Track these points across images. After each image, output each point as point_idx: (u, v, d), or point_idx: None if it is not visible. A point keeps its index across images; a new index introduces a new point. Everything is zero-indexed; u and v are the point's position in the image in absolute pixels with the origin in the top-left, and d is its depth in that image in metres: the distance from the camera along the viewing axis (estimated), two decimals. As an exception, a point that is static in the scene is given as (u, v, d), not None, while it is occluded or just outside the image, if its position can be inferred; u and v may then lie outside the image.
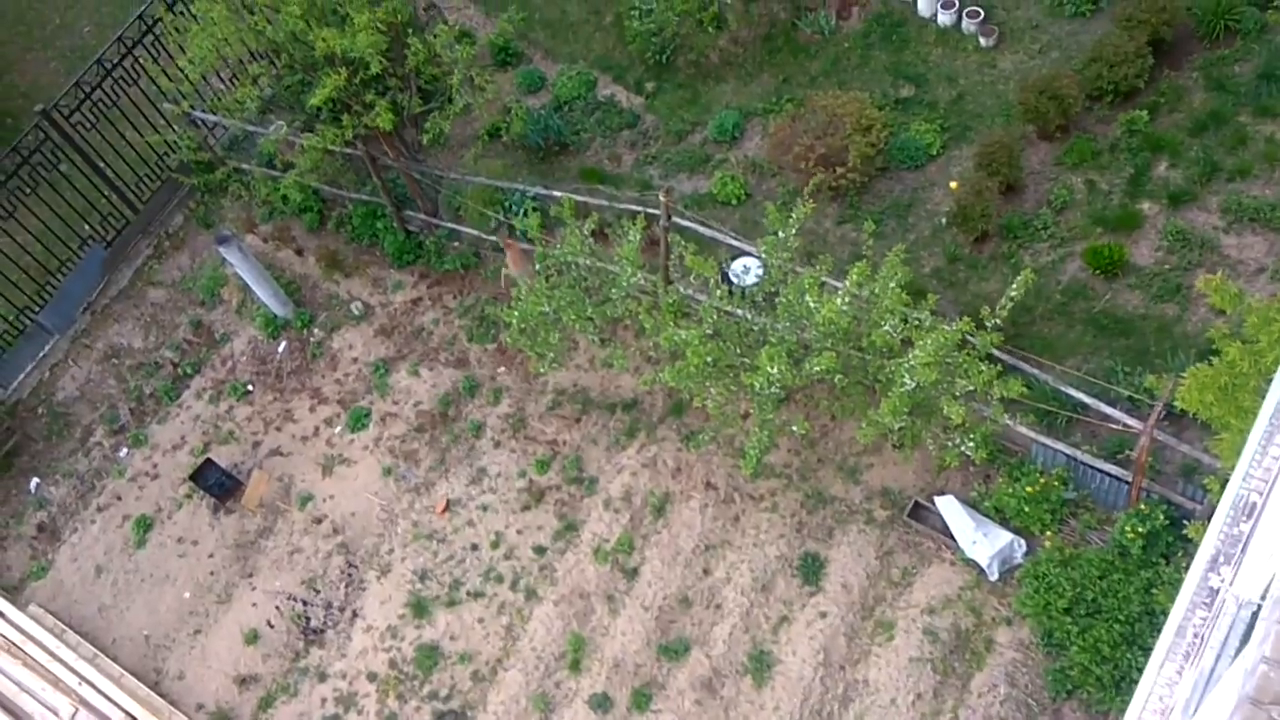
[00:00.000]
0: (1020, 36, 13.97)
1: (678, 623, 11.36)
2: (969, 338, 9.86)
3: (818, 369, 9.63)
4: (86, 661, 11.71)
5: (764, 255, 10.66)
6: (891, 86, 13.90)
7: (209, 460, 12.74)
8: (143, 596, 12.37)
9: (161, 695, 11.69)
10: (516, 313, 11.31)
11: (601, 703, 11.06)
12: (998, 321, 9.74)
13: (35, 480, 13.23)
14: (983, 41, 13.89)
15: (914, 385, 9.42)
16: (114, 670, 11.76)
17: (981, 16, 13.84)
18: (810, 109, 13.17)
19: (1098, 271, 12.05)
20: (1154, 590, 9.96)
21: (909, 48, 14.18)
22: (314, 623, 11.98)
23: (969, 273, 12.47)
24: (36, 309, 13.91)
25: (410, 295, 13.88)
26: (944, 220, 12.80)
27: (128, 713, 11.34)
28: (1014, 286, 9.70)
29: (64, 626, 12.11)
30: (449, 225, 13.87)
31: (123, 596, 12.40)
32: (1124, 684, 9.80)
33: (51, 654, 11.73)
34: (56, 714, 11.39)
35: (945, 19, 14.04)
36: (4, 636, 11.90)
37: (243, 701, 11.71)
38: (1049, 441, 10.72)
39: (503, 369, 13.15)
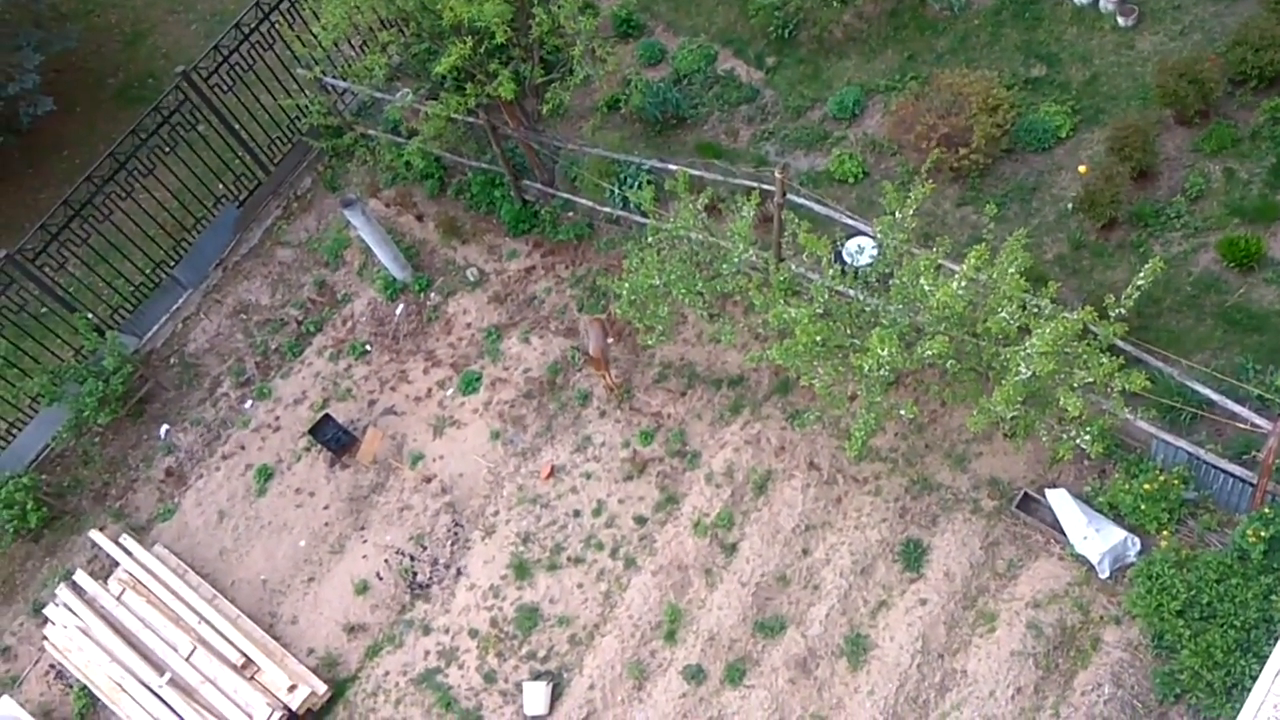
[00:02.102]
0: (1161, 17, 13.40)
1: (774, 600, 11.36)
2: (1091, 328, 9.57)
3: (930, 353, 9.48)
4: (206, 602, 12.29)
5: (879, 235, 10.51)
6: (1022, 66, 13.49)
7: (327, 416, 13.21)
8: (261, 543, 12.92)
9: (275, 638, 12.21)
10: (627, 284, 11.40)
11: (695, 674, 11.15)
12: (1122, 311, 9.43)
13: (165, 427, 13.89)
14: (1121, 21, 13.36)
15: (1030, 374, 9.20)
16: (231, 611, 12.33)
17: (1121, -6, 13.32)
18: (935, 87, 12.88)
19: (1232, 264, 11.54)
20: (1273, 597, 9.56)
21: (1042, 26, 13.73)
22: (420, 578, 12.34)
23: (1094, 261, 12.08)
24: (172, 264, 14.55)
25: (524, 264, 14.09)
26: (1070, 206, 12.40)
27: (243, 652, 11.88)
28: (1141, 275, 9.37)
29: (186, 567, 12.72)
30: (564, 196, 14.02)
31: (242, 541, 12.96)
32: (1235, 691, 9.46)
33: (174, 593, 12.35)
34: (176, 650, 12.01)
35: (1081, -4, 13.55)
36: (130, 574, 12.57)
37: (351, 649, 12.16)
38: (1171, 438, 10.35)
39: (611, 340, 13.26)
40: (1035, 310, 9.57)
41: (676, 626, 11.44)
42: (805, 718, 10.73)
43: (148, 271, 14.36)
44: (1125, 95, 12.99)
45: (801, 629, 11.16)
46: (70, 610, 12.42)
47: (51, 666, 12.53)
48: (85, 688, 12.19)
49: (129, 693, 11.83)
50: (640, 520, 12.11)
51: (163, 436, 13.85)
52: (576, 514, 12.33)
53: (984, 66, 13.35)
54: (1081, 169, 12.41)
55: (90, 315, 13.71)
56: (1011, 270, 9.51)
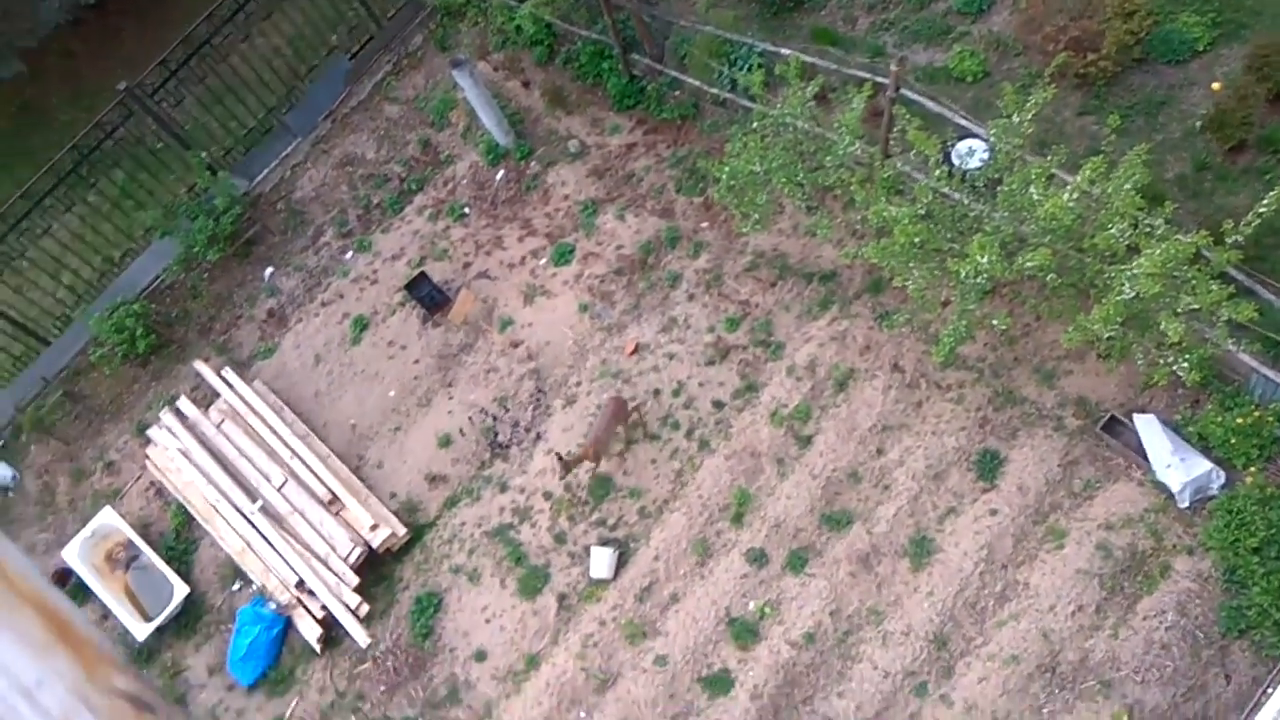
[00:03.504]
0: (1328, -73, 12.48)
1: (844, 495, 11.50)
2: (1204, 252, 9.26)
3: (1031, 265, 9.28)
4: (299, 438, 12.88)
5: (992, 139, 10.20)
6: (1166, -29, 12.74)
7: (423, 274, 13.50)
8: (353, 389, 13.42)
9: (361, 479, 12.79)
10: (727, 169, 11.30)
11: (758, 558, 11.42)
12: (1239, 239, 9.08)
13: (269, 269, 14.36)
14: (1282, -71, 12.49)
15: (1133, 295, 8.97)
16: (322, 450, 12.91)
17: (1286, -100, 12.41)
18: (1070, -13, 12.26)
19: (1365, 200, 10.95)
20: (1357, 545, 9.39)
21: (1194, -71, 12.90)
22: (501, 437, 12.74)
23: (1216, 184, 11.59)
24: (284, 110, 14.81)
25: (626, 139, 14.02)
26: (1198, 124, 11.85)
27: (329, 489, 12.48)
28: (1265, 203, 8.98)
29: (282, 404, 13.30)
30: (672, 73, 13.82)
31: (336, 386, 13.48)
32: (1303, 633, 9.38)
33: (270, 427, 12.95)
34: (269, 480, 12.66)
35: (1243, -101, 12.66)
36: (230, 405, 13.20)
37: (431, 497, 12.68)
38: (1272, 374, 10.06)
39: (706, 224, 13.23)
40: (1147, 230, 9.27)
41: (744, 510, 11.67)
42: (861, 610, 10.95)
43: (260, 116, 14.64)
44: (1271, 11, 12.22)
45: (867, 526, 11.30)
46: (172, 433, 13.12)
47: (152, 484, 13.33)
48: (182, 506, 12.96)
49: (223, 515, 12.56)
50: (718, 405, 12.26)
51: (266, 279, 14.32)
52: (656, 392, 12.52)
53: (1126, -31, 12.63)
54: (1215, 86, 11.81)
55: (204, 154, 14.10)
56: (1127, 186, 9.19)
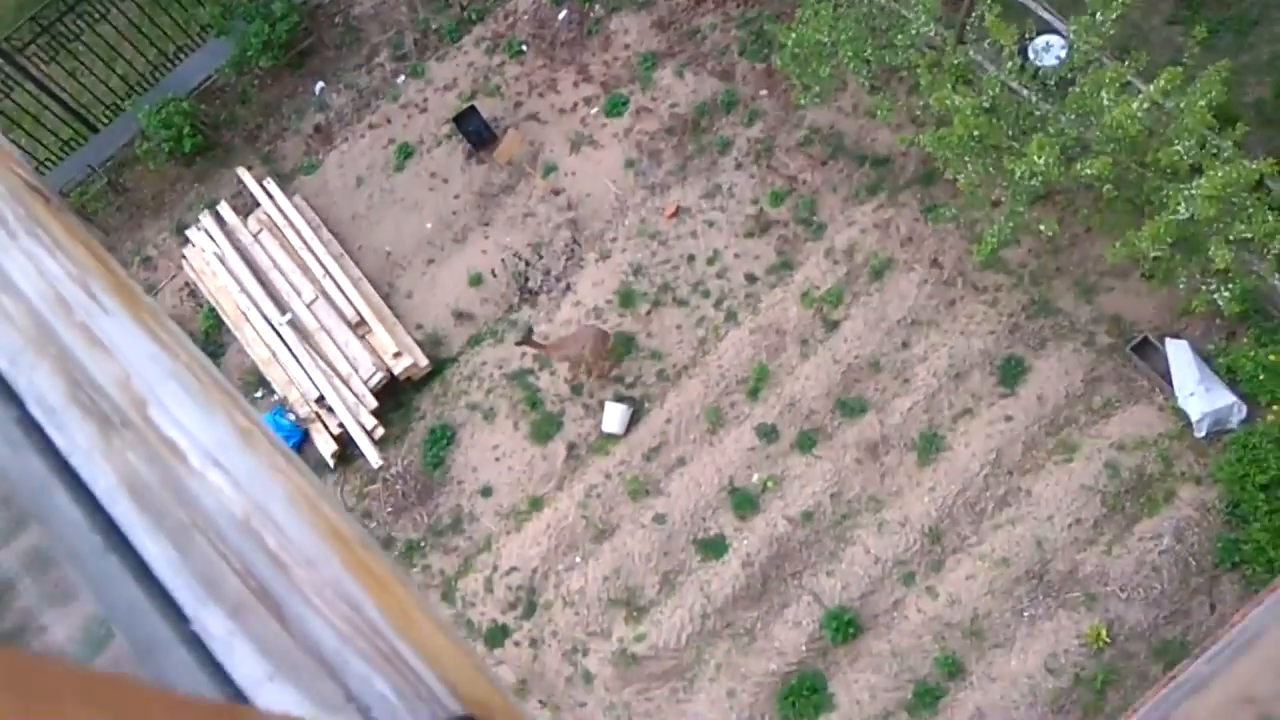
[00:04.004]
0: None
1: (862, 383, 11.49)
2: (1267, 181, 8.93)
3: (1089, 172, 9.01)
4: (333, 258, 12.97)
5: (1072, 36, 9.77)
6: (1291, -123, 11.92)
7: (473, 108, 13.32)
8: (391, 216, 13.43)
9: (390, 307, 12.92)
10: (794, 35, 10.93)
11: (768, 433, 11.51)
12: (1308, 172, 8.74)
13: (320, 84, 14.22)
14: None
15: (1187, 216, 8.71)
16: (354, 272, 13.01)
17: None
18: (1184, -117, 11.53)
19: None
20: (1368, 498, 9.31)
21: None
22: (531, 283, 12.77)
23: (1298, 113, 11.10)
24: (351, -79, 14.41)
25: (697, -8, 13.56)
26: (1293, 48, 11.27)
27: (357, 311, 12.63)
28: (1342, 138, 8.59)
29: (320, 222, 13.35)
30: (753, -73, 13.26)
31: (375, 211, 13.50)
32: (1296, 577, 9.40)
33: (305, 243, 13.04)
34: (299, 294, 12.82)
35: None
36: (269, 216, 13.28)
37: (455, 333, 12.82)
38: (1315, 316, 9.83)
39: (765, 91, 12.88)
40: (1214, 150, 8.93)
41: (761, 386, 11.72)
42: (862, 496, 11.08)
43: (326, -76, 14.27)
44: (1400, -65, 11.47)
45: (881, 416, 11.33)
46: (210, 237, 13.26)
47: (186, 284, 13.55)
48: (214, 310, 13.20)
49: (252, 323, 12.78)
50: (751, 278, 12.18)
51: (317, 93, 14.20)
52: (691, 258, 12.44)
53: None
54: (1320, 9, 11.17)
55: (266, -43, 13.82)
56: (1202, 103, 8.82)
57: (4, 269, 0.93)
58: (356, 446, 12.30)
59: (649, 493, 11.64)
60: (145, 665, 0.74)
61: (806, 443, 11.41)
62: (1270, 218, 8.63)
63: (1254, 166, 8.58)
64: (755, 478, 11.42)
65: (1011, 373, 11.08)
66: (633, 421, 11.94)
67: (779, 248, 12.23)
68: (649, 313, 12.30)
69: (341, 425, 12.29)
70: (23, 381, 0.85)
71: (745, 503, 11.35)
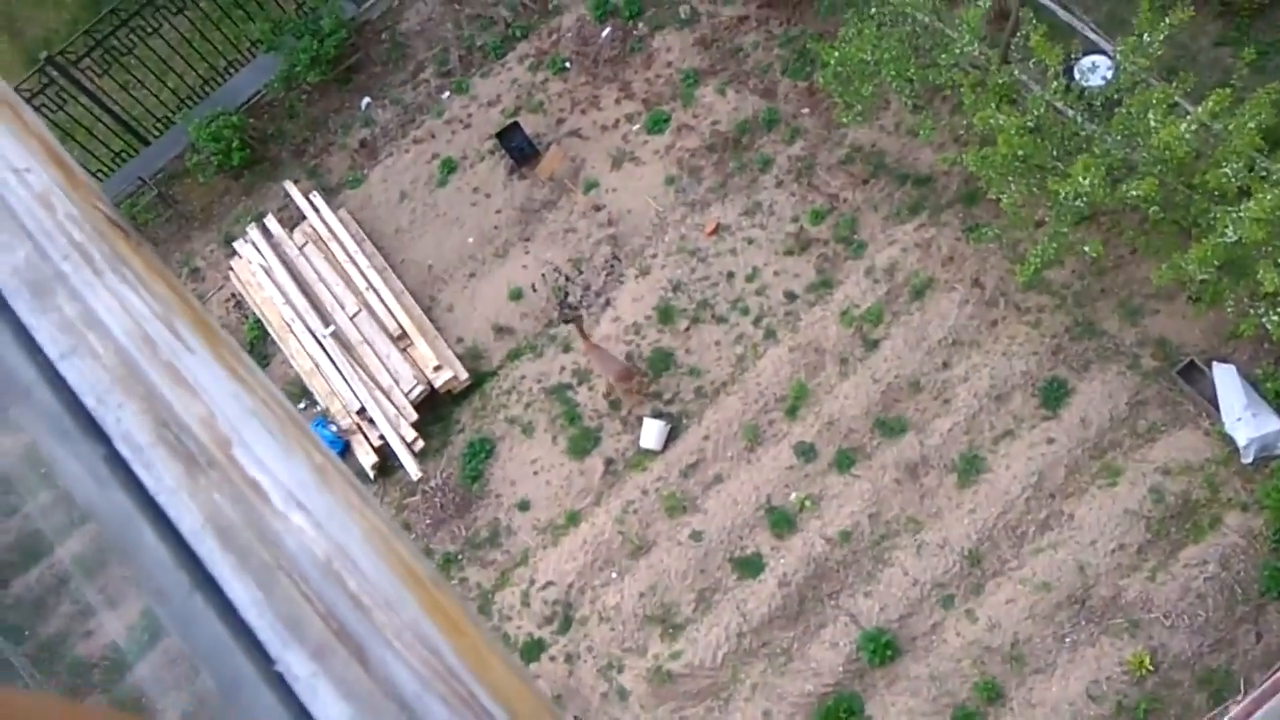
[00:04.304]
0: None
1: (902, 403, 11.42)
2: (1319, 205, 8.77)
3: (1134, 193, 8.93)
4: (376, 272, 13.11)
5: (1119, 57, 9.69)
6: (1345, -104, 11.76)
7: (516, 124, 13.43)
8: (434, 230, 13.55)
9: (431, 320, 13.03)
10: (837, 54, 10.93)
11: (806, 451, 11.47)
12: (1360, 196, 8.59)
13: (366, 99, 14.40)
14: None
15: (1235, 239, 8.60)
16: (397, 286, 13.14)
17: None
18: (1235, -98, 11.41)
19: None
20: None
21: None
22: (571, 299, 12.80)
23: (1351, 136, 10.91)
24: (399, -61, 14.60)
25: (739, 11, 13.60)
26: (1346, 69, 11.10)
27: (400, 324, 12.75)
28: (1396, 163, 8.46)
29: (364, 236, 13.50)
30: (797, -54, 13.28)
31: (418, 225, 13.63)
32: (1346, 608, 9.22)
33: (349, 256, 13.19)
34: (343, 307, 12.96)
35: None
36: (314, 229, 13.44)
37: (496, 347, 12.89)
38: (1368, 343, 9.64)
39: (806, 110, 12.88)
40: (1263, 173, 8.82)
41: (799, 404, 11.68)
42: (901, 517, 11.00)
43: (375, -58, 14.46)
44: None
45: (921, 436, 11.25)
46: (257, 249, 13.44)
47: (233, 295, 13.74)
48: (259, 321, 13.37)
49: (296, 334, 12.94)
50: (790, 296, 12.16)
51: (363, 108, 14.37)
52: (730, 275, 12.44)
53: (1301, -111, 11.70)
54: (1375, 30, 11.01)
55: (316, -25, 14.03)
56: (1251, 125, 8.71)
57: (91, 307, 0.95)
58: (397, 458, 12.40)
59: (686, 510, 11.62)
60: (229, 704, 0.76)
61: (845, 462, 11.35)
62: (1322, 241, 8.50)
63: (1306, 189, 8.45)
64: (793, 497, 11.37)
65: (1054, 395, 10.97)
66: (671, 438, 11.94)
67: (819, 266, 12.20)
68: (688, 329, 12.31)
69: (382, 437, 12.40)
70: (110, 419, 0.88)
71: (782, 521, 11.30)
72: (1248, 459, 10.16)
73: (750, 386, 11.90)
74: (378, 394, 12.48)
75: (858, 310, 11.84)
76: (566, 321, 11.91)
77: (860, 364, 11.66)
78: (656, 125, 13.33)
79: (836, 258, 12.19)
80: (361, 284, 13.04)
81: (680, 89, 13.41)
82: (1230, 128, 8.77)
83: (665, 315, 12.44)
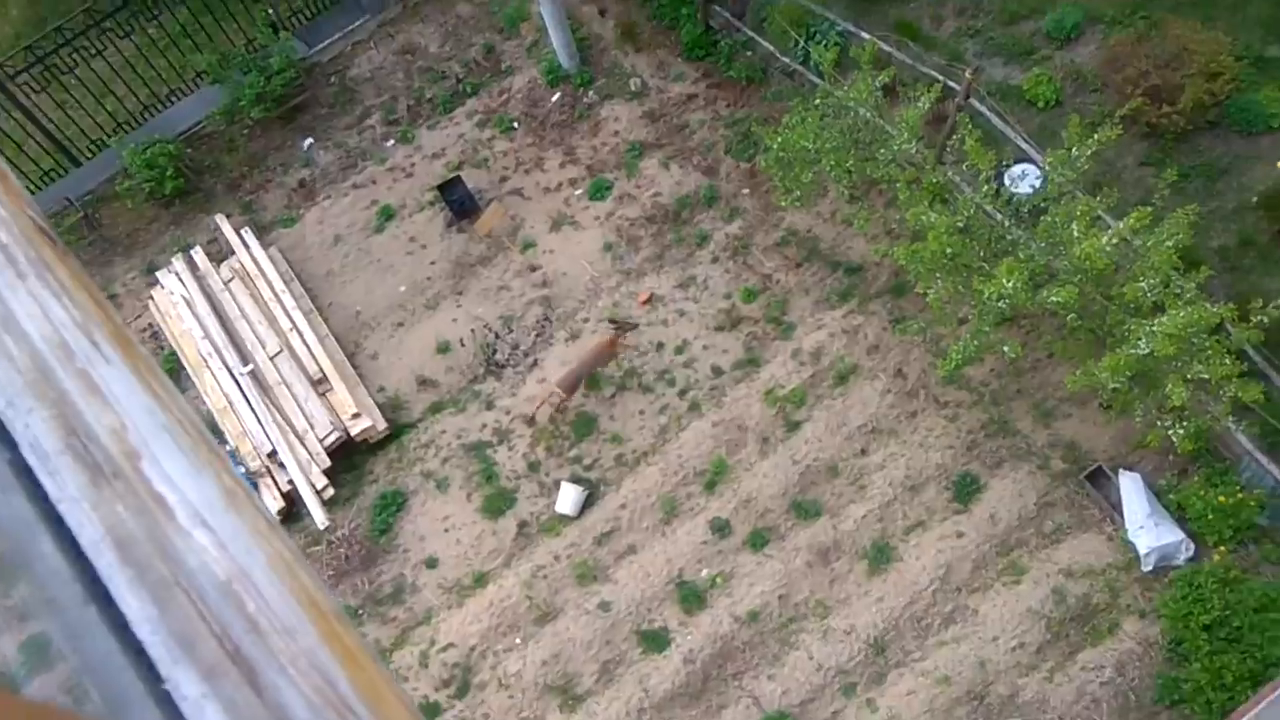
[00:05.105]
0: None
1: (819, 486, 11.52)
2: (1226, 325, 9.17)
3: (1055, 299, 9.23)
4: (302, 313, 12.92)
5: (1048, 168, 10.08)
6: (1259, 40, 12.48)
7: (459, 178, 13.46)
8: (365, 276, 13.44)
9: (354, 366, 12.85)
10: (780, 139, 11.20)
11: (721, 528, 11.48)
12: (1264, 320, 8.99)
13: (309, 140, 14.33)
14: (1389, 23, 12.22)
15: (1147, 351, 8.91)
16: (322, 329, 12.96)
17: (1400, -6, 12.14)
18: (1161, 34, 12.05)
19: (1402, 312, 10.82)
20: (1307, 646, 9.40)
21: (1301, 4, 12.64)
22: (498, 356, 12.77)
23: (1256, 262, 11.45)
24: (358, -15, 14.69)
25: (687, 89, 13.89)
26: (1255, 199, 11.69)
27: (321, 368, 12.54)
28: (1298, 291, 8.88)
29: (293, 275, 13.33)
30: (749, 33, 13.65)
31: (349, 269, 13.50)
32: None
33: (276, 295, 12.99)
34: (264, 346, 12.72)
35: (1357, -15, 12.37)
36: (243, 265, 13.24)
37: (417, 399, 12.75)
38: (1265, 461, 10.01)
39: (747, 190, 13.14)
40: (1177, 291, 9.19)
41: (718, 480, 11.71)
42: (809, 600, 11.03)
43: (333, -13, 14.53)
44: (1361, 104, 12.00)
45: (835, 521, 11.34)
46: (180, 280, 13.18)
47: (149, 326, 13.41)
48: (174, 354, 13.05)
49: (211, 370, 12.65)
50: (717, 371, 12.26)
51: (305, 148, 14.29)
52: (660, 346, 12.52)
53: (1220, 28, 12.40)
54: (1282, 166, 11.63)
55: (270, 11, 14.01)
56: (1168, 243, 9.10)
57: (11, 310, 0.93)
58: (304, 505, 12.10)
59: (596, 579, 11.52)
60: (113, 721, 0.73)
61: (758, 541, 11.38)
62: (1227, 361, 8.85)
63: (1215, 310, 8.83)
64: (704, 573, 11.35)
65: (966, 489, 11.16)
66: (587, 504, 11.87)
67: (748, 344, 12.35)
68: (613, 396, 12.33)
69: (291, 482, 12.11)
70: (19, 425, 0.85)
71: (692, 597, 11.25)
72: (1147, 567, 10.41)
73: (671, 458, 11.91)
74: (291, 438, 12.22)
75: (782, 391, 11.97)
76: (613, 322, 12.31)
77: (781, 444, 11.76)
78: (598, 192, 13.47)
79: (765, 337, 12.35)
80: (285, 324, 12.83)
81: (624, 159, 13.59)
82: (1149, 245, 9.15)
83: (592, 381, 12.43)
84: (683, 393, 12.22)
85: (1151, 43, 12.00)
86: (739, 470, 11.74)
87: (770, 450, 11.75)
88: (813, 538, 11.29)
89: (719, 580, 11.27)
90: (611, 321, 12.37)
